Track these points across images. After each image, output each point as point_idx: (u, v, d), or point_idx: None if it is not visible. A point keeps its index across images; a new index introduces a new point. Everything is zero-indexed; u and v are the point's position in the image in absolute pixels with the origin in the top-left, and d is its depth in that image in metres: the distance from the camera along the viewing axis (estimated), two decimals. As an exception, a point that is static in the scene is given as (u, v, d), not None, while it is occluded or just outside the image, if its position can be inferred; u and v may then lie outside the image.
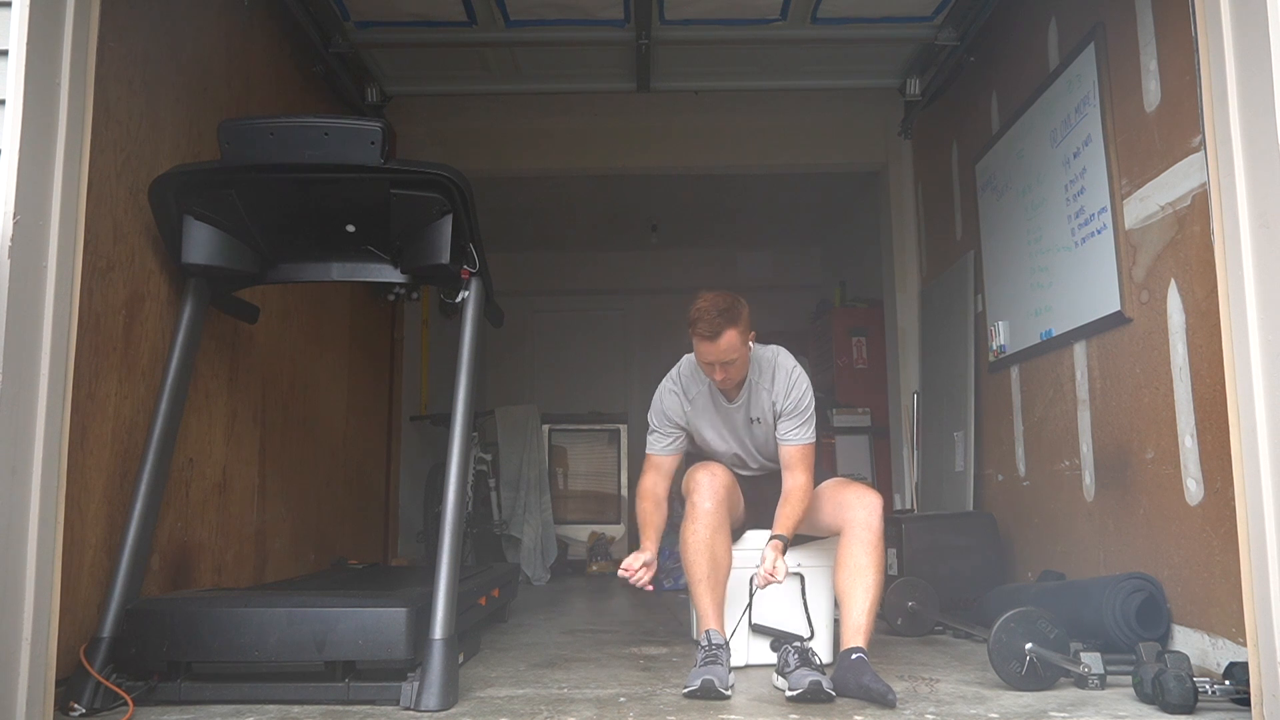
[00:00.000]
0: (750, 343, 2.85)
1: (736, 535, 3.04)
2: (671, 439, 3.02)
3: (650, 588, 2.75)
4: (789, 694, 2.45)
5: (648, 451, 3.04)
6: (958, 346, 4.80)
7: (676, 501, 3.06)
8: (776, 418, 2.91)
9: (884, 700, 2.33)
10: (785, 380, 2.89)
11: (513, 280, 7.72)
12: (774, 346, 2.99)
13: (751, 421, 2.96)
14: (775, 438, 2.94)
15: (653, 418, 3.03)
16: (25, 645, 1.97)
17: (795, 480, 2.86)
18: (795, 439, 2.89)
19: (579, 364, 8.72)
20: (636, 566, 2.72)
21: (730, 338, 2.72)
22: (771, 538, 2.74)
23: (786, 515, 2.79)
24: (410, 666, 2.40)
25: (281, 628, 2.40)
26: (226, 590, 3.11)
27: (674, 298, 8.56)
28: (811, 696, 2.39)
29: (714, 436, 3.03)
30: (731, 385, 2.89)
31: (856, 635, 2.59)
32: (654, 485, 2.99)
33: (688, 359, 3.01)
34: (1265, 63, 2.01)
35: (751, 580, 2.99)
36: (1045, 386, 3.86)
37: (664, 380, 3.06)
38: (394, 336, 5.89)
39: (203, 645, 2.41)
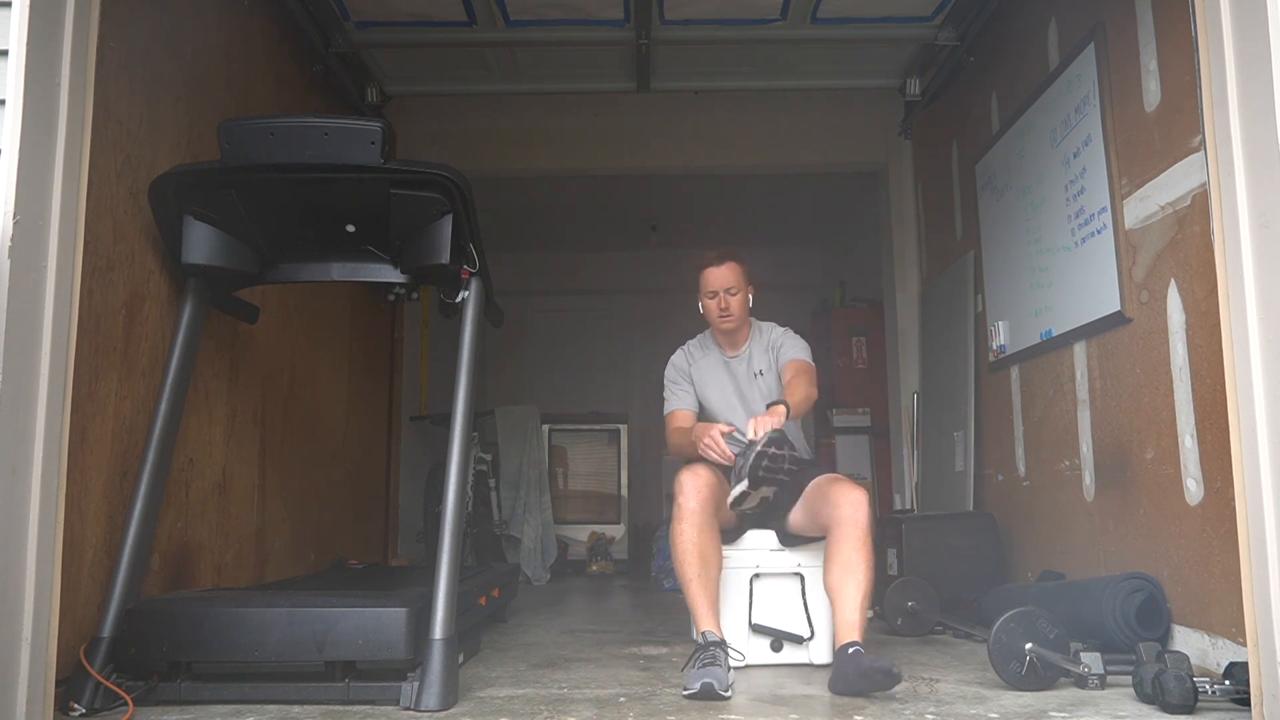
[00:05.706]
0: (750, 297, 3.15)
1: (734, 535, 3.04)
2: (688, 390, 3.23)
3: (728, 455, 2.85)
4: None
5: (669, 410, 3.22)
6: (958, 346, 4.80)
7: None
8: (778, 361, 3.15)
9: (888, 676, 2.33)
10: (779, 333, 3.23)
11: (513, 280, 7.72)
12: (770, 322, 3.31)
13: (755, 375, 3.18)
14: (780, 376, 3.12)
15: (667, 377, 3.28)
16: (25, 645, 1.97)
17: (801, 383, 2.99)
18: (795, 355, 3.11)
19: (579, 364, 8.72)
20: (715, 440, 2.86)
21: (734, 267, 3.09)
22: (774, 403, 2.85)
23: (794, 390, 2.95)
24: (410, 666, 2.40)
25: (281, 628, 2.40)
26: (226, 590, 3.11)
27: (674, 298, 8.61)
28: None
29: (718, 397, 3.20)
30: (734, 324, 3.13)
31: (851, 631, 2.59)
32: (685, 437, 3.07)
33: (696, 338, 3.34)
34: (1265, 63, 2.01)
35: (751, 581, 3.00)
36: (1045, 386, 3.86)
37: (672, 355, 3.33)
38: (394, 336, 5.88)
39: (203, 645, 2.41)
